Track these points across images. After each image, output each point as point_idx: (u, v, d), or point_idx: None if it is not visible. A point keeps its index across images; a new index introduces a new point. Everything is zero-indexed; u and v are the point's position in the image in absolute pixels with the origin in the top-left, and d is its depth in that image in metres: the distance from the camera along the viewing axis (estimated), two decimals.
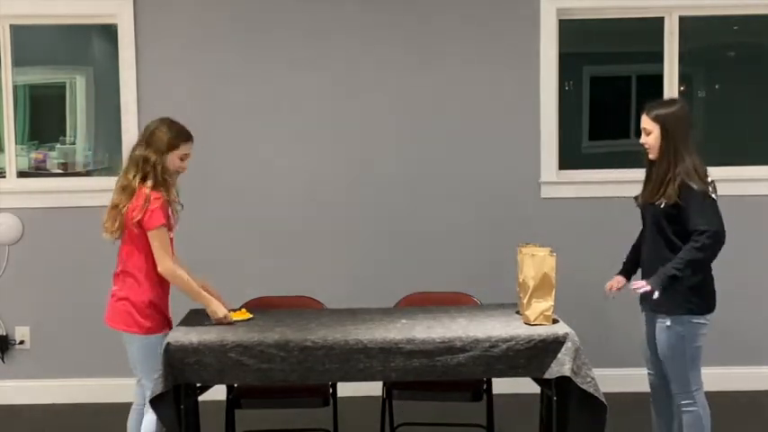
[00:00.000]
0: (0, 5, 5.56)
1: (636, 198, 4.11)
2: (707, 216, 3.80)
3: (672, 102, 4.07)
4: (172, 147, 3.93)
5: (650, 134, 3.94)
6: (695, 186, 3.82)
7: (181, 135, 3.98)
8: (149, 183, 3.89)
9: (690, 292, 3.88)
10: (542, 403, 4.24)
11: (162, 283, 3.94)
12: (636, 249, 4.20)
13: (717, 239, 3.81)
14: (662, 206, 3.88)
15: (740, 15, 5.79)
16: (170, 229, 3.95)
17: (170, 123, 4.00)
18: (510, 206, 5.63)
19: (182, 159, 3.98)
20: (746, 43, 6.11)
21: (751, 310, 5.72)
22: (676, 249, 3.87)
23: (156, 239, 3.86)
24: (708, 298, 3.97)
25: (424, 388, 4.21)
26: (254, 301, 4.52)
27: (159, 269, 3.88)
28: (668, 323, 3.91)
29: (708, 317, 3.97)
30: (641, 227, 4.15)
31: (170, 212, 3.94)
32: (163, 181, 3.91)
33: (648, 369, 4.16)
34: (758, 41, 6.00)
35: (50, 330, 5.68)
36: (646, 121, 3.96)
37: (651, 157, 3.98)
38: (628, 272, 4.21)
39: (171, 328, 3.99)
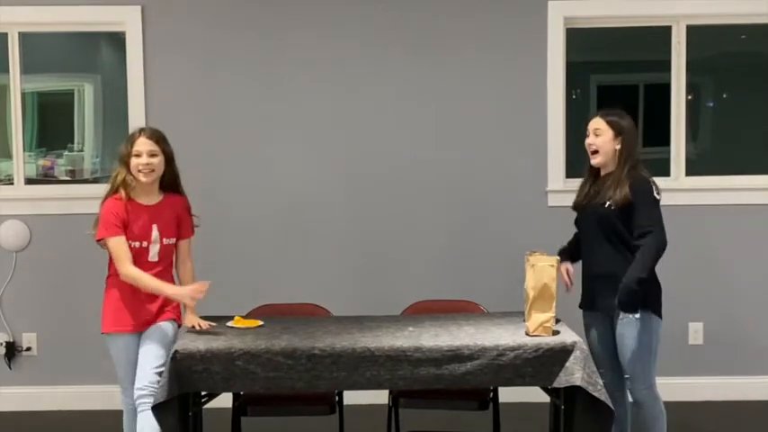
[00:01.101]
0: (9, 13, 5.58)
1: (576, 204, 4.20)
2: (650, 215, 3.96)
3: (623, 113, 4.16)
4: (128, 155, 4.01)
5: (601, 135, 4.06)
6: (645, 188, 3.99)
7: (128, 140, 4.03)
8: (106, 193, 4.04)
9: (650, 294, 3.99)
10: (551, 412, 4.23)
11: (117, 285, 4.04)
12: (572, 244, 4.32)
13: (662, 239, 3.96)
14: (612, 208, 3.98)
15: (748, 24, 5.78)
16: (130, 237, 3.97)
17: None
18: (517, 214, 5.63)
19: (137, 156, 3.98)
20: (754, 52, 6.10)
21: (747, 320, 5.71)
22: (626, 251, 3.98)
23: (109, 249, 4.01)
24: (659, 299, 4.06)
25: (431, 396, 4.21)
26: (260, 309, 4.52)
27: (120, 276, 3.99)
28: (637, 316, 3.95)
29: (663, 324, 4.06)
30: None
31: (127, 218, 3.98)
32: (120, 187, 3.99)
33: (603, 374, 4.07)
34: (766, 51, 6.00)
35: (57, 337, 5.68)
36: (599, 123, 4.08)
37: (596, 160, 4.09)
38: (572, 256, 4.31)
39: (128, 331, 4.04)
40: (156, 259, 4.04)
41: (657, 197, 4.00)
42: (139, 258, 4.00)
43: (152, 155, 3.97)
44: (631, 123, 4.13)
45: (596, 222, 4.06)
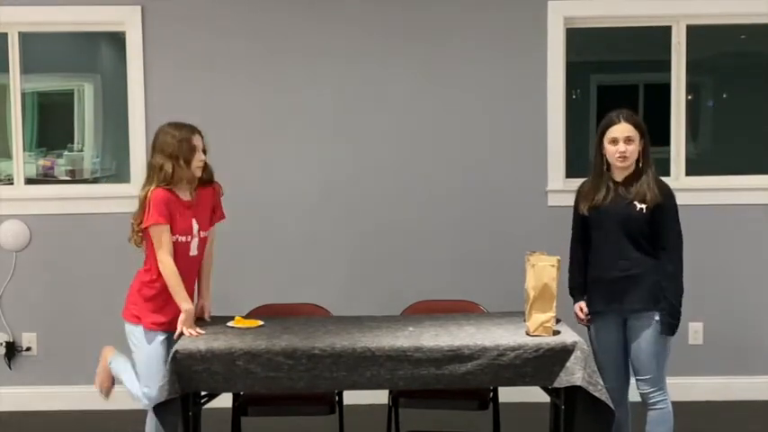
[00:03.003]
0: (9, 13, 5.58)
1: (592, 207, 4.09)
2: (679, 227, 4.00)
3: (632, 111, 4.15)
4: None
5: (633, 142, 3.99)
6: (673, 195, 4.01)
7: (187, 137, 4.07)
8: (153, 185, 4.00)
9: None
10: (551, 412, 4.23)
11: (161, 284, 4.02)
12: (581, 266, 4.19)
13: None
14: (644, 212, 3.95)
15: (748, 24, 5.78)
16: (175, 231, 3.99)
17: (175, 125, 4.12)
18: (517, 214, 5.63)
19: (198, 152, 4.08)
20: (754, 52, 6.11)
21: (747, 320, 5.72)
22: (647, 252, 3.98)
23: (152, 236, 3.98)
24: None
25: (431, 396, 4.21)
26: (260, 309, 4.52)
27: (159, 264, 3.98)
28: (657, 317, 3.96)
29: None
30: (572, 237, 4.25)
31: (176, 212, 4.01)
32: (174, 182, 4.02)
33: (610, 379, 4.05)
34: (766, 51, 6.00)
35: (57, 337, 5.68)
36: (630, 130, 3.99)
37: (626, 164, 4.00)
38: (584, 294, 4.21)
39: (164, 329, 4.04)
40: (196, 253, 4.11)
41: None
42: (184, 253, 4.04)
43: (204, 151, 4.11)
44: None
45: (622, 225, 3.98)
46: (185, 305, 3.98)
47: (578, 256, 4.20)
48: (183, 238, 4.04)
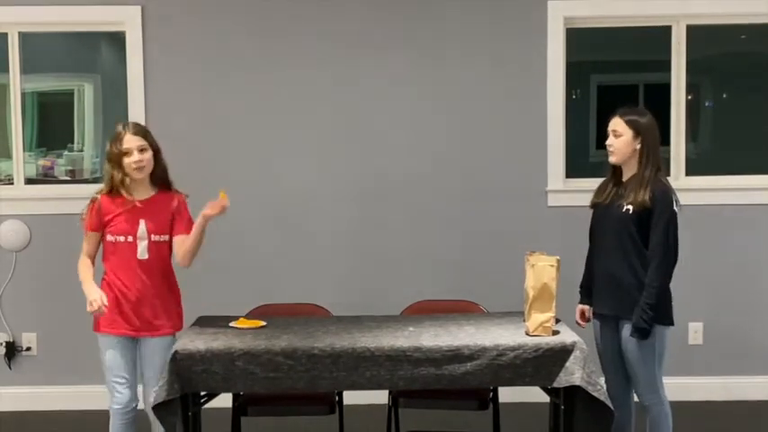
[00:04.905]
0: (9, 13, 5.58)
1: (594, 203, 4.12)
2: (666, 234, 3.87)
3: (643, 111, 4.08)
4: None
5: (621, 137, 3.97)
6: (667, 200, 3.90)
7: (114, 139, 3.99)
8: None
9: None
10: (551, 412, 4.23)
11: (109, 285, 4.02)
12: (590, 269, 4.20)
13: (674, 258, 3.92)
14: (630, 213, 3.91)
15: (748, 24, 5.78)
16: (114, 232, 3.97)
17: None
18: (517, 214, 5.63)
19: (128, 154, 3.93)
20: (754, 52, 6.11)
21: (747, 320, 5.71)
22: (634, 255, 3.91)
23: None
24: (669, 308, 4.00)
25: (431, 396, 4.21)
26: (260, 309, 4.52)
27: None
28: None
29: (671, 329, 4.02)
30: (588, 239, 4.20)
31: (104, 213, 3.98)
32: (119, 187, 3.97)
33: (612, 380, 4.12)
34: (766, 51, 6.00)
35: (57, 337, 5.68)
36: (618, 124, 3.99)
37: (614, 159, 4.02)
38: (590, 297, 4.20)
39: (122, 333, 4.01)
40: (146, 257, 3.97)
41: (677, 209, 3.91)
42: (128, 255, 3.97)
43: (142, 150, 3.93)
44: (652, 122, 4.00)
45: (612, 225, 3.98)
46: (85, 288, 3.96)
47: (589, 255, 4.21)
48: (123, 238, 3.97)
